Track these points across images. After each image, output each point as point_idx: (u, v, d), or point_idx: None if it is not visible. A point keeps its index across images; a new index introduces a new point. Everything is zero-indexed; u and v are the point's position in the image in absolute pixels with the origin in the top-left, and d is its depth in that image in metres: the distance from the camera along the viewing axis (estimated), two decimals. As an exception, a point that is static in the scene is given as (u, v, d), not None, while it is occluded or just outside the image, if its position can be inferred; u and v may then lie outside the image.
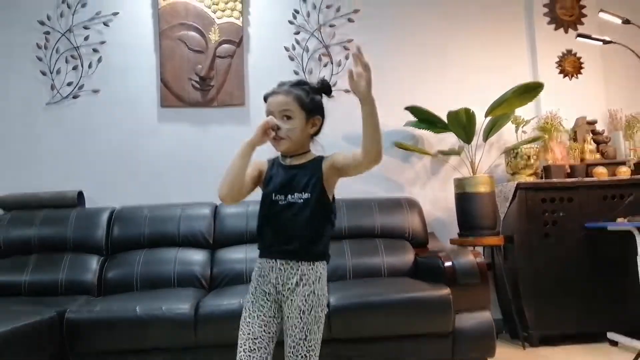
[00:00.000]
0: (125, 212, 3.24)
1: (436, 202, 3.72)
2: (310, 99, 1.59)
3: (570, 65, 3.86)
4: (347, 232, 3.19)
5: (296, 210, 1.55)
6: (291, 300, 1.53)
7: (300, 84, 1.62)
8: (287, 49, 3.69)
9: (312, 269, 1.56)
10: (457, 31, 3.87)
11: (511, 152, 3.50)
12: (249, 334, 1.54)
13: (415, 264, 3.08)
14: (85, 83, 3.57)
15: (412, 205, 3.37)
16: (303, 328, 1.51)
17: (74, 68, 3.57)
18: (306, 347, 1.51)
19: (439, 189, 3.73)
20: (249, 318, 1.56)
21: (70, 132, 3.53)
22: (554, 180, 3.35)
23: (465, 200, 3.30)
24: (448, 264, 2.67)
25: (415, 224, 3.29)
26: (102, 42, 3.59)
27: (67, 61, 3.57)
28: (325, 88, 1.63)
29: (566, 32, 3.88)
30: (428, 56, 3.83)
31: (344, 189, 3.71)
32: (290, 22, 3.72)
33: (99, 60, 3.58)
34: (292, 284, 1.54)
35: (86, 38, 3.58)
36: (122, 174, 3.52)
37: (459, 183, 3.34)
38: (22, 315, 2.26)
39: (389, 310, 2.53)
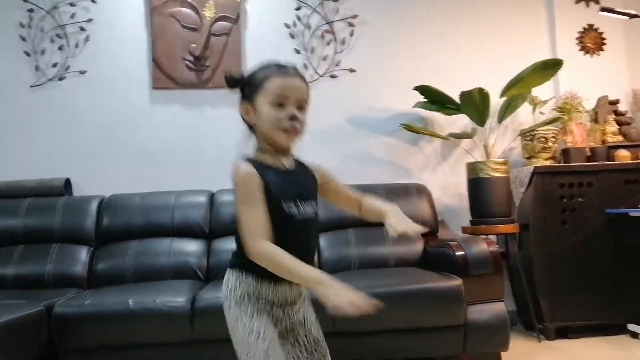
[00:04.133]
0: (115, 200, 3.24)
1: (447, 188, 3.72)
2: None
3: (591, 41, 3.83)
4: (352, 221, 3.18)
5: (312, 225, 1.45)
6: (303, 315, 1.47)
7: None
8: (287, 26, 3.67)
9: None
10: (471, 6, 3.84)
11: (527, 135, 3.49)
12: None
13: (425, 253, 3.08)
14: (71, 64, 3.55)
15: (421, 191, 3.38)
16: (322, 335, 1.49)
17: (60, 48, 3.55)
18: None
19: (449, 174, 3.73)
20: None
21: (56, 116, 3.53)
22: (573, 164, 3.34)
23: (478, 185, 3.29)
24: (460, 253, 2.68)
25: (425, 212, 3.29)
26: (89, 20, 3.57)
27: (52, 41, 3.55)
28: None
29: (587, 5, 3.84)
30: (439, 33, 3.80)
31: (348, 175, 3.72)
32: (291, -3, 3.69)
33: (86, 39, 3.57)
34: (301, 299, 1.49)
35: (72, 16, 3.56)
36: (111, 160, 3.52)
37: (472, 168, 3.33)
38: (8, 309, 2.27)
39: (397, 302, 2.52)
